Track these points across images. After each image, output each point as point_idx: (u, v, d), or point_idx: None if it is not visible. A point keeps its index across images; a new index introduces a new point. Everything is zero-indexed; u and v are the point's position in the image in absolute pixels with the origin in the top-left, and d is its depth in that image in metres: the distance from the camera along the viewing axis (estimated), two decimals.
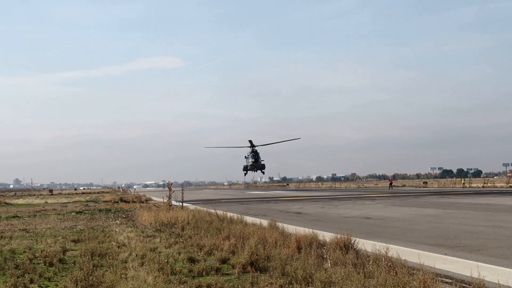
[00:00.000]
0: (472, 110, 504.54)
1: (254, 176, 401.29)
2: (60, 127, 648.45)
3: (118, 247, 17.79)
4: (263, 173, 77.34)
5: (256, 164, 75.77)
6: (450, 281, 11.94)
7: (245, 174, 78.24)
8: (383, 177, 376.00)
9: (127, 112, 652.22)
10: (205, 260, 14.87)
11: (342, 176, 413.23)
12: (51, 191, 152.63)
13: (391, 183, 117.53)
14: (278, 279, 12.00)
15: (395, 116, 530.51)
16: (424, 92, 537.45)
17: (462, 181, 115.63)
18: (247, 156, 77.50)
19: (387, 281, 10.93)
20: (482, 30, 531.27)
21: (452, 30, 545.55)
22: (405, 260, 13.07)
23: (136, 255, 15.64)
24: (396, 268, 12.10)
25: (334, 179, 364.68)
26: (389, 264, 12.55)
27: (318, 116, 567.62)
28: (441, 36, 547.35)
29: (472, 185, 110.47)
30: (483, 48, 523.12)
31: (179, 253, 16.15)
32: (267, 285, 11.54)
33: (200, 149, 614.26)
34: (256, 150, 75.96)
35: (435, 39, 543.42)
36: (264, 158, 78.62)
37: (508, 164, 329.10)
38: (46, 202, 65.14)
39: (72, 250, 17.73)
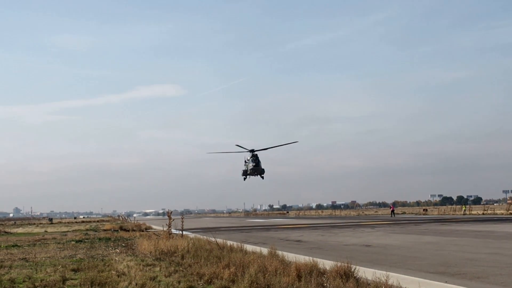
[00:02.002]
0: (473, 137, 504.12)
1: (254, 204, 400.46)
2: (59, 156, 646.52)
3: (118, 276, 17.75)
4: (263, 177, 76.37)
5: (256, 168, 74.91)
6: None
7: (244, 179, 77.42)
8: (383, 205, 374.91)
9: (127, 140, 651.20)
10: None
11: (342, 204, 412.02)
12: (50, 220, 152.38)
13: (393, 211, 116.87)
14: None
15: (396, 144, 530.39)
16: (425, 120, 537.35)
17: (463, 208, 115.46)
18: (246, 161, 76.72)
19: None
20: (482, 58, 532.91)
21: (453, 58, 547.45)
22: None
23: (136, 284, 15.61)
24: None
25: (334, 206, 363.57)
26: None
27: (320, 144, 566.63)
28: (441, 64, 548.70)
29: (472, 212, 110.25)
30: (484, 75, 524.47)
31: (179, 282, 16.12)
32: None
33: (200, 178, 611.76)
34: (256, 154, 75.28)
35: (436, 67, 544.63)
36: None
37: (508, 191, 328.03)
38: (45, 231, 64.95)
39: (72, 279, 17.68)
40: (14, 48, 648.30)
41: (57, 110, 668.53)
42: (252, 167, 75.74)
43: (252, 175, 76.99)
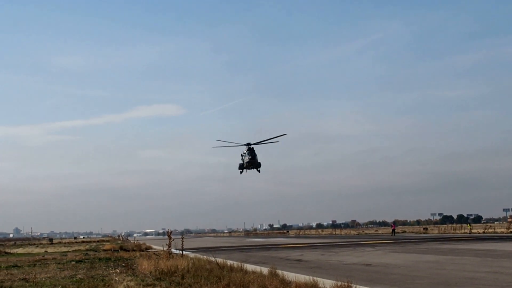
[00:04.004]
0: (473, 155, 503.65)
1: (254, 223, 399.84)
2: (59, 176, 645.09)
3: None
4: (259, 171, 76.14)
5: (252, 161, 74.78)
6: None
7: (240, 172, 77.22)
8: (383, 224, 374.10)
9: (128, 160, 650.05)
10: None
11: (342, 223, 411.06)
12: (51, 240, 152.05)
13: (393, 230, 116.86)
14: None
15: (396, 162, 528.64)
16: (426, 138, 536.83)
17: (469, 227, 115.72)
18: (243, 154, 76.72)
19: None
20: (483, 76, 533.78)
21: (453, 75, 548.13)
22: None
23: None
24: None
25: (334, 225, 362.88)
26: None
27: (321, 163, 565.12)
28: (442, 82, 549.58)
29: (473, 230, 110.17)
30: (484, 94, 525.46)
31: None
32: None
33: (200, 197, 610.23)
34: (252, 148, 75.29)
35: (436, 84, 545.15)
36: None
37: (509, 209, 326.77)
38: (46, 251, 64.87)
39: None
40: (15, 69, 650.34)
41: (58, 130, 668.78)
42: (248, 160, 75.65)
43: (249, 168, 76.89)
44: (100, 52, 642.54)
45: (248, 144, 75.59)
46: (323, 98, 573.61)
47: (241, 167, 77.59)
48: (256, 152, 75.90)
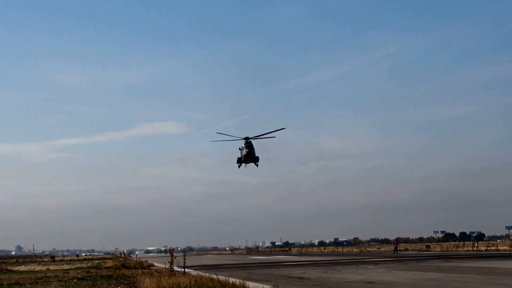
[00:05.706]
0: (477, 173, 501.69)
1: (256, 241, 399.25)
2: (62, 194, 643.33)
3: None
4: (257, 165, 76.30)
5: (250, 154, 74.97)
6: None
7: (239, 166, 77.45)
8: (385, 241, 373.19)
9: (130, 177, 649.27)
10: None
11: (345, 241, 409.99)
12: (53, 257, 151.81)
13: (396, 247, 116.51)
14: None
15: (401, 180, 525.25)
16: (430, 155, 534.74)
17: (476, 244, 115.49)
18: (241, 148, 77.07)
19: None
20: (485, 94, 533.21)
21: (456, 94, 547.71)
22: None
23: None
24: None
25: (337, 243, 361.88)
26: None
27: (323, 181, 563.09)
28: (445, 100, 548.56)
29: (475, 248, 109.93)
30: (485, 112, 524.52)
31: None
32: None
33: (202, 215, 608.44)
34: (250, 142, 75.56)
35: (440, 103, 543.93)
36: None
37: (511, 227, 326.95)
38: (48, 269, 64.81)
39: None
40: (17, 86, 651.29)
41: (60, 148, 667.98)
42: (245, 153, 75.72)
43: (246, 162, 76.99)
44: (103, 69, 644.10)
45: (246, 138, 75.93)
46: (327, 115, 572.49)
47: (239, 161, 77.88)
48: (254, 145, 76.20)
